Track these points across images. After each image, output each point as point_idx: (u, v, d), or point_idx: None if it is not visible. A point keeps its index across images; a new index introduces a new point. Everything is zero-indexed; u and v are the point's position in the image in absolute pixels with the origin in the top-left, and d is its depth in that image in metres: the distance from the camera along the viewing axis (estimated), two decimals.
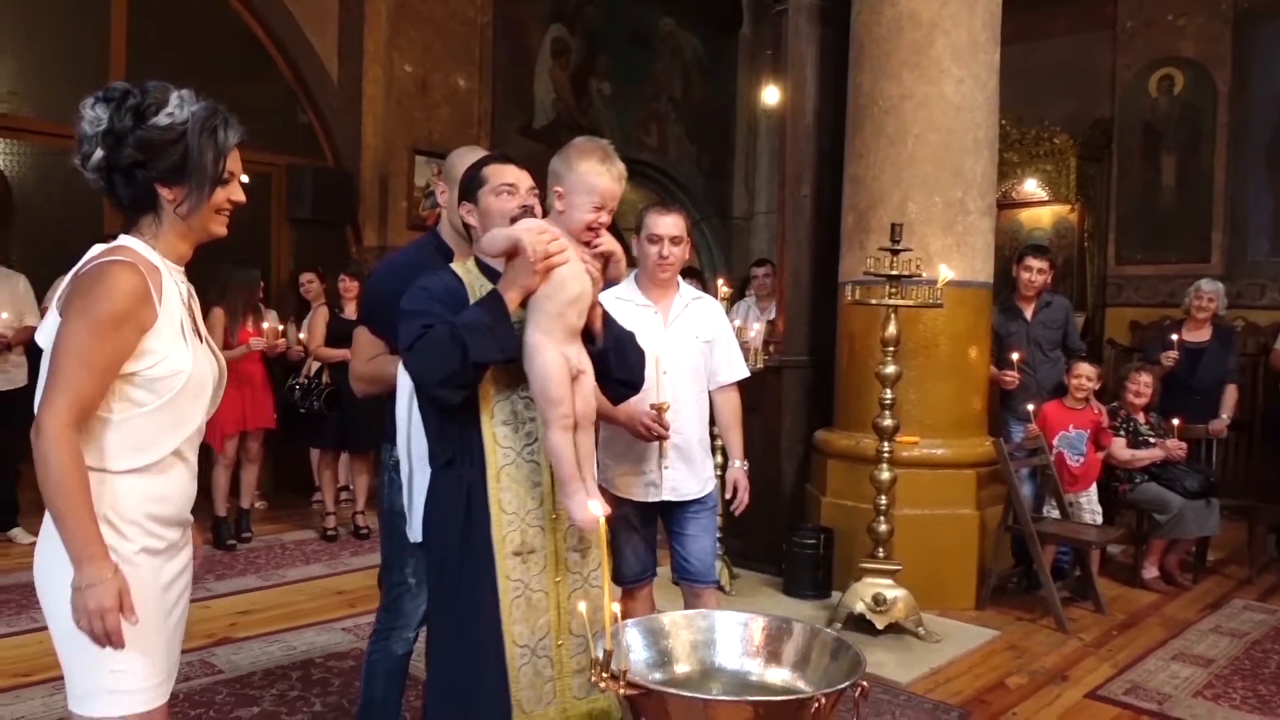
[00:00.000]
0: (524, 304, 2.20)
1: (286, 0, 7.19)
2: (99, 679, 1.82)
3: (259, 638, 4.28)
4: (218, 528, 5.80)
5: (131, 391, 1.83)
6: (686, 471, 3.29)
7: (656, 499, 3.27)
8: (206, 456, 5.85)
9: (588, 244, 2.26)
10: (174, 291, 1.91)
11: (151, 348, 1.83)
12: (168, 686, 1.92)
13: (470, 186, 2.45)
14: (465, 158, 2.71)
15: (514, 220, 2.22)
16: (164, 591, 1.91)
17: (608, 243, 2.28)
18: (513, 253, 2.16)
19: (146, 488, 1.86)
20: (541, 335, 2.17)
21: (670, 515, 3.36)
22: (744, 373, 3.54)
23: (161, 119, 1.85)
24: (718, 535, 3.87)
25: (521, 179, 2.49)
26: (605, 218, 2.27)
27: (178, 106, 1.88)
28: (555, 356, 2.16)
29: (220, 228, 1.98)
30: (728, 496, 3.48)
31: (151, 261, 1.88)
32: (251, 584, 5.11)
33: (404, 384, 2.56)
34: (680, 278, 3.43)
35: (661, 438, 3.13)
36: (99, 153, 1.85)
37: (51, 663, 3.80)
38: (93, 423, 1.80)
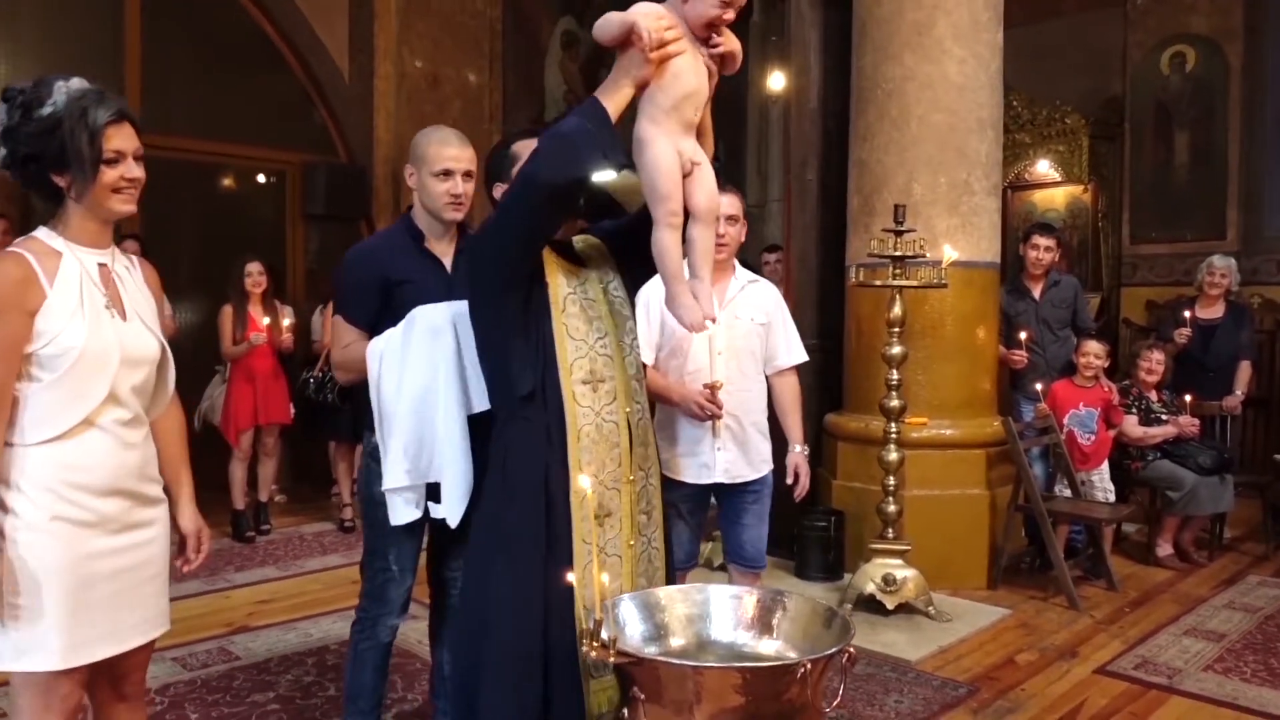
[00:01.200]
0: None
1: None
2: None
3: (276, 625, 4.35)
4: (236, 521, 5.89)
5: (32, 369, 1.96)
6: (739, 454, 3.30)
7: (709, 480, 3.29)
8: (226, 450, 5.96)
9: (706, 41, 2.07)
10: (75, 273, 1.99)
11: (42, 328, 1.94)
12: (81, 654, 1.98)
13: (502, 165, 2.43)
14: (428, 137, 2.77)
15: None
16: (86, 561, 1.98)
17: (729, 41, 2.09)
18: (625, 41, 2.00)
19: (57, 456, 1.96)
20: (653, 126, 2.04)
21: (724, 498, 3.38)
22: (802, 356, 3.55)
23: (45, 110, 1.95)
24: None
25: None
26: (730, 14, 2.05)
27: (60, 95, 1.96)
28: (666, 148, 2.03)
29: (123, 205, 2.03)
30: (789, 482, 3.49)
31: (52, 247, 1.99)
32: (270, 574, 5.19)
33: (374, 366, 2.61)
34: (736, 261, 3.44)
35: (715, 416, 3.15)
36: (2, 151, 1.98)
37: None
38: (7, 401, 1.93)
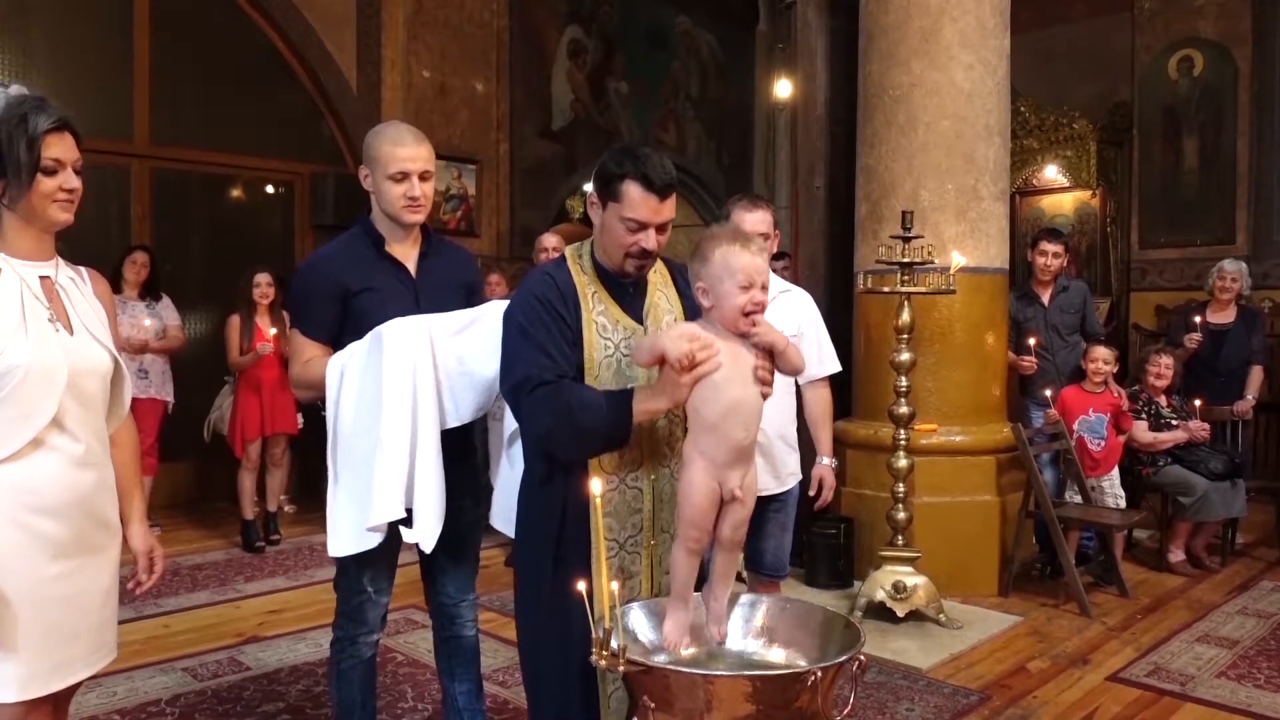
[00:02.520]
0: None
1: (305, 11, 7.28)
2: None
3: (287, 636, 4.35)
4: (246, 531, 5.90)
5: None
6: (764, 467, 3.24)
7: None
8: (235, 460, 5.98)
9: (746, 335, 2.03)
10: (14, 287, 1.93)
11: None
12: (38, 685, 1.91)
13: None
14: (380, 135, 2.62)
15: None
16: (41, 586, 1.90)
17: (765, 331, 2.04)
18: (661, 362, 2.00)
19: (8, 478, 1.88)
20: (694, 449, 2.02)
21: None
22: (835, 367, 3.53)
23: None
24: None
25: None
26: (759, 295, 2.01)
27: None
28: (702, 480, 2.00)
29: (60, 214, 1.97)
30: (811, 493, 3.48)
31: None
32: (280, 585, 5.19)
33: (333, 383, 2.49)
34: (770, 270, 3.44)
35: None
36: None
37: None
38: None
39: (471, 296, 2.77)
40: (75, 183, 1.96)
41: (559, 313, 2.14)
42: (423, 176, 2.58)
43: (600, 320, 2.19)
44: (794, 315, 3.40)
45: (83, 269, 2.13)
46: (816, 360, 3.46)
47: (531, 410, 2.10)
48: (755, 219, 3.24)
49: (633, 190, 2.11)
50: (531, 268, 6.76)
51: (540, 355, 2.10)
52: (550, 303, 2.15)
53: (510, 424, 2.53)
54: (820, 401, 3.50)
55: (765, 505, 3.32)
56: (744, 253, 2.02)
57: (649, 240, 2.15)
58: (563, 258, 2.26)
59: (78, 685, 2.06)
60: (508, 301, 2.52)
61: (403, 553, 2.61)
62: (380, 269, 2.60)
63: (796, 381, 3.47)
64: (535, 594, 2.23)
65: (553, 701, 2.24)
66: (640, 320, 2.23)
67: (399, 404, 2.40)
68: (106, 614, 2.05)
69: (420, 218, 2.63)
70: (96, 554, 2.00)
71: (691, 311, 2.29)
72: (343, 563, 2.63)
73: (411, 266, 2.65)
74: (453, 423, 2.48)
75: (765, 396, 2.05)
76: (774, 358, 2.06)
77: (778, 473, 3.34)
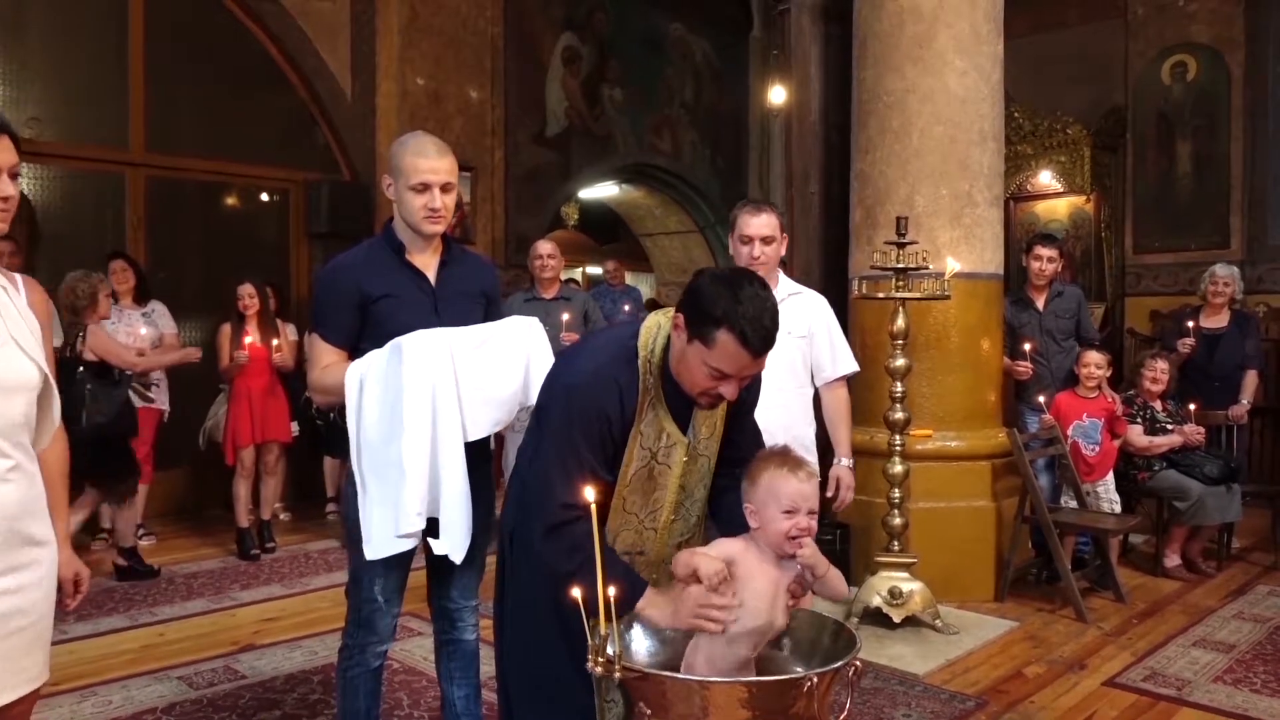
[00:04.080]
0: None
1: (300, 19, 7.29)
2: None
3: (282, 644, 4.33)
4: (241, 538, 5.88)
5: None
6: None
7: None
8: (230, 468, 5.97)
9: (792, 557, 2.01)
10: None
11: None
12: None
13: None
14: (404, 146, 2.63)
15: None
16: None
17: (809, 555, 2.00)
18: (692, 579, 1.99)
19: None
20: (701, 657, 2.02)
21: None
22: (851, 367, 3.53)
23: None
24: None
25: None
26: (804, 520, 1.98)
27: None
28: (697, 658, 2.01)
29: None
30: (829, 494, 3.47)
31: None
32: (275, 592, 5.17)
33: (353, 391, 2.49)
34: (781, 272, 3.44)
35: None
36: None
37: (76, 672, 3.90)
38: None
39: (490, 305, 2.81)
40: (9, 190, 1.83)
41: (613, 436, 2.09)
42: (444, 188, 2.59)
43: (646, 431, 2.14)
44: (804, 317, 3.41)
45: (18, 276, 2.01)
46: (830, 362, 3.47)
47: (562, 542, 2.04)
48: (760, 222, 3.26)
49: (727, 343, 1.97)
50: (526, 275, 6.76)
51: (585, 483, 1.97)
52: (610, 423, 2.08)
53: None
54: (837, 402, 3.51)
55: None
56: (791, 478, 2.00)
57: (730, 390, 2.05)
58: (632, 350, 2.14)
59: (21, 714, 1.92)
60: (520, 319, 2.60)
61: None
62: (400, 276, 2.62)
63: (814, 383, 3.47)
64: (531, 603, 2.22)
65: (535, 714, 2.23)
66: (685, 431, 2.19)
67: (418, 418, 2.43)
68: (33, 635, 1.88)
69: (440, 228, 2.64)
70: (20, 572, 1.84)
71: (740, 402, 2.23)
72: (355, 572, 2.65)
73: (431, 275, 2.67)
74: (471, 438, 2.52)
75: (790, 614, 2.04)
76: (812, 578, 2.04)
77: None
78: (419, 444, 2.45)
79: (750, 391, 2.26)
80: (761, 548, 2.04)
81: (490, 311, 2.79)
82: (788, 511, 1.98)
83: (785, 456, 2.06)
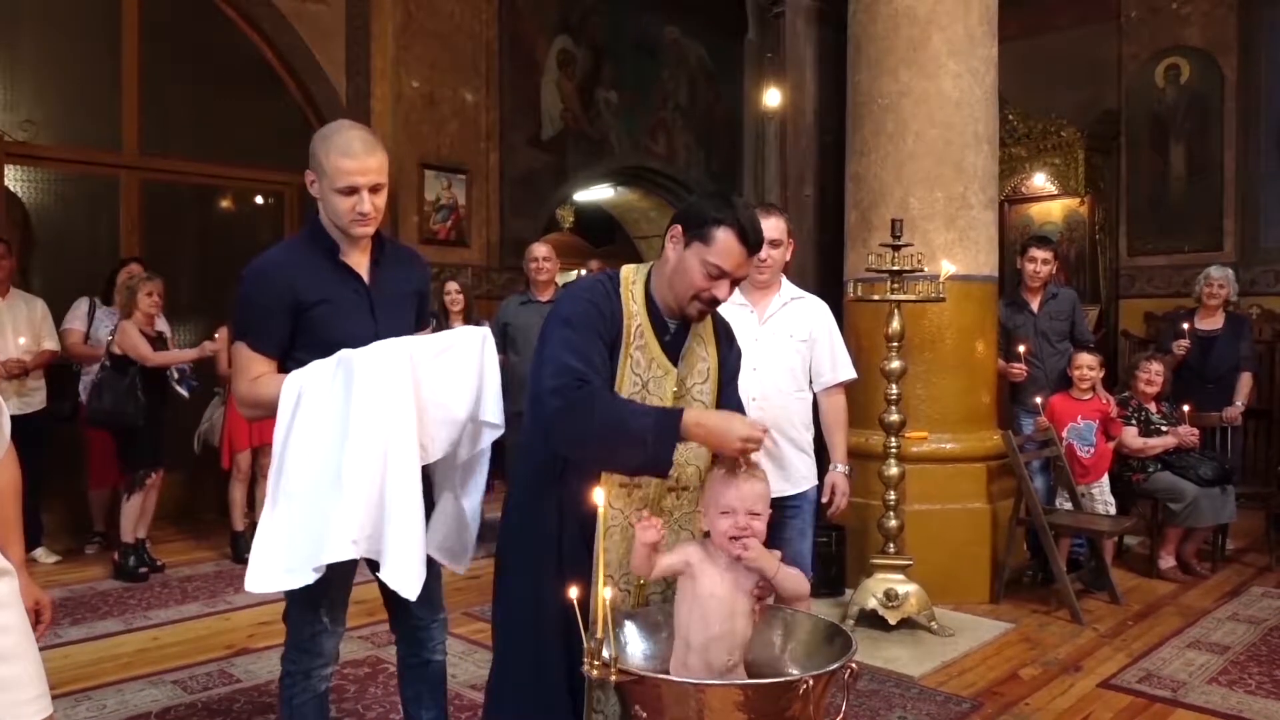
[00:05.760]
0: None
1: (295, 22, 7.28)
2: None
3: (277, 647, 4.29)
4: (236, 543, 5.87)
5: None
6: (774, 469, 3.23)
7: None
8: (226, 473, 5.96)
9: (739, 559, 2.05)
10: None
11: None
12: None
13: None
14: (327, 143, 2.35)
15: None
16: None
17: (754, 557, 2.04)
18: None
19: None
20: (681, 663, 2.06)
21: None
22: (850, 374, 3.55)
23: None
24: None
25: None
26: (744, 520, 2.03)
27: None
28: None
29: None
30: (824, 500, 3.48)
31: None
32: (270, 596, 5.12)
33: (288, 404, 2.27)
34: (784, 277, 3.47)
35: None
36: None
37: (70, 676, 3.88)
38: None
39: (422, 302, 2.65)
40: None
41: (605, 336, 2.13)
42: (373, 190, 2.35)
43: (635, 355, 2.18)
44: (806, 321, 3.42)
45: None
46: (830, 368, 3.48)
47: (573, 407, 2.04)
48: (768, 226, 3.26)
49: (727, 238, 2.10)
50: (521, 278, 6.77)
51: (593, 353, 2.09)
52: (602, 312, 2.14)
53: (464, 454, 2.45)
54: (835, 408, 3.53)
55: (781, 509, 3.32)
56: (731, 480, 2.06)
57: (723, 290, 2.15)
58: (615, 276, 2.22)
59: None
60: (476, 330, 2.47)
61: (361, 573, 2.46)
62: (335, 279, 2.41)
63: (812, 387, 3.48)
64: (531, 602, 2.22)
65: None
66: (675, 363, 2.22)
67: (367, 438, 2.19)
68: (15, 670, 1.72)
69: (370, 232, 2.43)
70: None
71: (726, 368, 2.32)
72: (293, 594, 2.39)
73: (365, 274, 2.47)
74: (429, 459, 2.34)
75: (754, 621, 2.07)
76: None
77: (790, 476, 3.35)
78: (367, 461, 2.19)
79: (733, 358, 2.37)
80: (715, 552, 2.08)
81: (421, 308, 2.63)
82: (724, 513, 2.04)
83: (733, 462, 2.10)
